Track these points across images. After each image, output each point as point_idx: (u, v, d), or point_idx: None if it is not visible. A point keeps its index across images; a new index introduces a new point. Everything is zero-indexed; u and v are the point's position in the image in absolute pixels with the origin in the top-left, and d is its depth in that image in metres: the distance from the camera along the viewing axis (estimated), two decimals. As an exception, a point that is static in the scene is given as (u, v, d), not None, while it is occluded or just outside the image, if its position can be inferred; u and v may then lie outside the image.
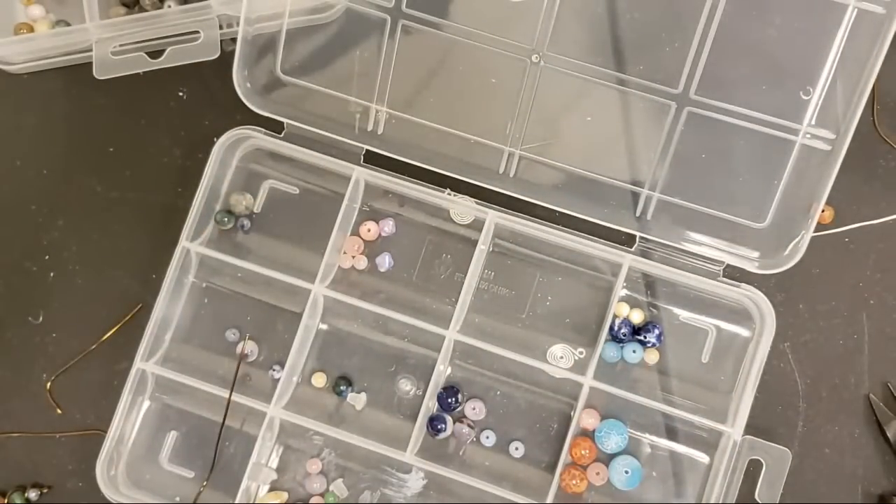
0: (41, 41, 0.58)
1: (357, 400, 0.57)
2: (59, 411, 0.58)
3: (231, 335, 0.57)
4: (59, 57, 0.59)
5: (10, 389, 0.58)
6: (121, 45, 0.58)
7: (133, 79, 0.59)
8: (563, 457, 0.54)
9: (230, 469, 0.56)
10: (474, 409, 0.56)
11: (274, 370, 0.57)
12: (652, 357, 0.55)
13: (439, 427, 0.55)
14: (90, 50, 0.57)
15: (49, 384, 0.58)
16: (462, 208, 0.56)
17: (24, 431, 0.58)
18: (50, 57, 0.59)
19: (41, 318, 0.59)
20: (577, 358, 0.56)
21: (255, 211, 0.58)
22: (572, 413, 0.54)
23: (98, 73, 0.57)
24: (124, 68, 0.58)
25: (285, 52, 0.56)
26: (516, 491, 0.53)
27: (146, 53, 0.58)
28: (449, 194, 0.56)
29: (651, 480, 0.55)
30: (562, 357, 0.56)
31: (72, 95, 0.60)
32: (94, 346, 0.58)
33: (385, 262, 0.57)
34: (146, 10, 0.58)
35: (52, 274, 0.59)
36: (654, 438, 0.55)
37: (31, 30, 0.59)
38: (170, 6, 0.58)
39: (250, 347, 0.57)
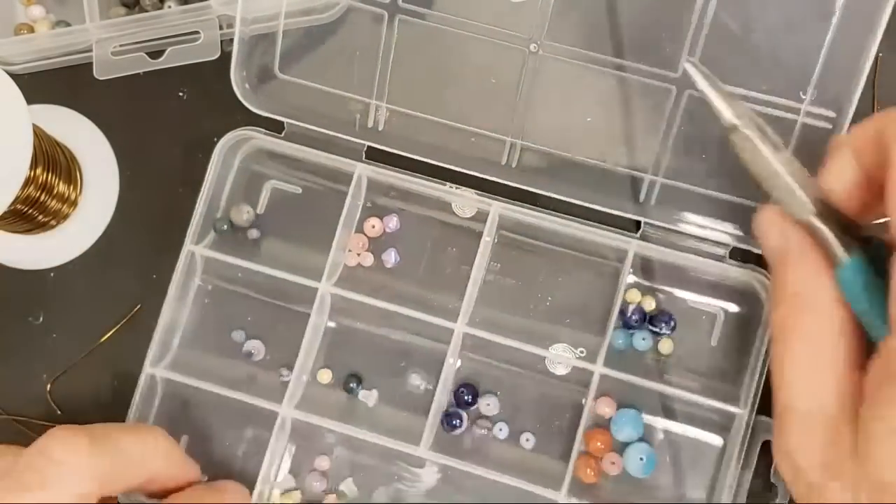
0: (41, 41, 0.58)
1: (368, 397, 0.57)
2: (59, 412, 0.58)
3: (238, 336, 0.57)
4: (59, 57, 0.59)
5: (12, 390, 0.58)
6: (121, 46, 0.58)
7: (133, 79, 0.59)
8: (577, 446, 0.53)
9: (245, 471, 0.56)
10: (488, 405, 0.56)
11: (282, 374, 0.56)
12: (667, 346, 0.55)
13: (455, 423, 0.55)
14: (90, 50, 0.58)
15: (49, 385, 0.58)
16: (464, 201, 0.56)
17: (26, 430, 0.58)
18: (50, 57, 0.59)
19: (41, 319, 0.59)
20: (578, 356, 0.55)
21: (259, 212, 0.58)
22: (584, 401, 0.54)
23: (98, 74, 0.58)
24: (124, 69, 0.58)
25: (283, 51, 0.56)
26: (531, 482, 0.53)
27: (146, 54, 0.58)
28: (453, 188, 0.56)
29: (665, 466, 0.55)
30: (560, 364, 0.56)
31: (72, 96, 0.60)
32: (93, 348, 0.58)
33: (392, 258, 0.57)
34: (146, 11, 0.58)
35: (51, 274, 0.59)
36: (667, 423, 0.55)
37: (32, 30, 0.59)
38: (170, 6, 0.58)
39: (255, 346, 0.57)
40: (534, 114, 0.55)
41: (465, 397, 0.55)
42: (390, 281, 0.57)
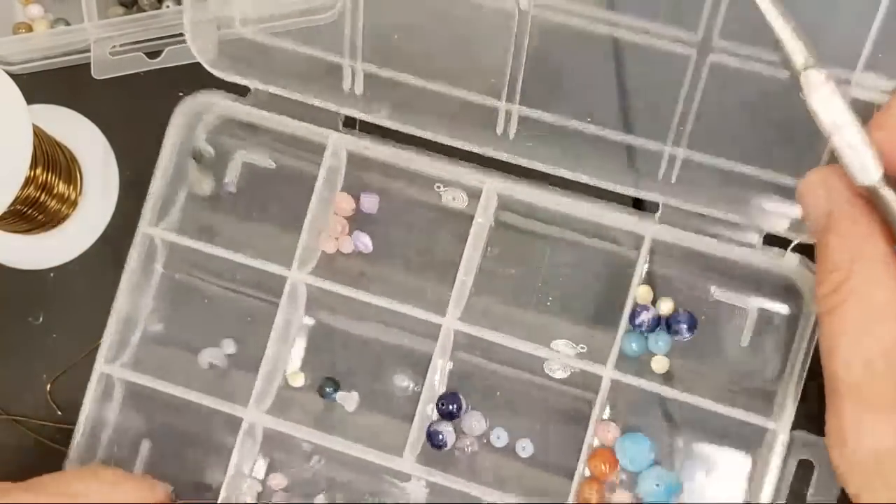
0: (39, 40, 0.58)
1: (348, 399, 0.51)
2: (59, 413, 0.57)
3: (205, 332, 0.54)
4: (58, 57, 0.58)
5: (11, 390, 0.57)
6: (119, 45, 0.57)
7: (133, 79, 0.57)
8: (581, 468, 0.47)
9: (211, 481, 0.52)
10: (476, 423, 0.50)
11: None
12: (660, 365, 0.49)
13: (439, 442, 0.49)
14: (89, 50, 0.57)
15: (49, 386, 0.57)
16: (455, 193, 0.51)
17: (27, 430, 0.57)
18: (49, 57, 0.58)
19: (41, 319, 0.58)
20: (579, 351, 0.49)
21: (230, 190, 0.54)
22: (590, 410, 0.48)
23: (96, 73, 0.57)
24: (122, 68, 0.57)
25: (243, 7, 0.51)
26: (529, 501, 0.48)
27: (144, 54, 0.57)
28: (440, 188, 0.51)
29: (688, 488, 0.49)
30: (559, 369, 0.50)
31: (71, 96, 0.59)
32: (93, 348, 0.55)
33: (363, 243, 0.52)
34: (144, 10, 0.57)
35: (52, 274, 0.58)
36: (687, 438, 0.49)
37: (30, 29, 0.59)
38: (168, 6, 0.57)
39: (219, 356, 0.53)
40: (532, 78, 0.48)
41: (450, 408, 0.50)
42: (373, 270, 0.52)
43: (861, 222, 0.37)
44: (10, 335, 0.58)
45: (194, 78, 0.56)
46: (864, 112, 0.41)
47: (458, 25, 0.49)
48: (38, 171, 0.52)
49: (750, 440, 0.48)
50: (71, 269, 0.58)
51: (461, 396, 0.50)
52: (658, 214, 0.48)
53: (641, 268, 0.48)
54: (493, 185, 0.48)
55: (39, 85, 0.58)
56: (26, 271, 0.58)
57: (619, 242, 0.50)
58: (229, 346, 0.53)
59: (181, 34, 0.55)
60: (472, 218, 0.49)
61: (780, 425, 0.46)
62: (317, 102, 0.50)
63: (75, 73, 0.58)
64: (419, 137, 0.49)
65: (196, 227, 0.53)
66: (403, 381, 0.51)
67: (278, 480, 0.51)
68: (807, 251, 0.47)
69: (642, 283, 0.49)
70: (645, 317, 0.48)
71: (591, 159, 0.48)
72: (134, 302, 0.52)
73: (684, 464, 0.49)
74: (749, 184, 0.47)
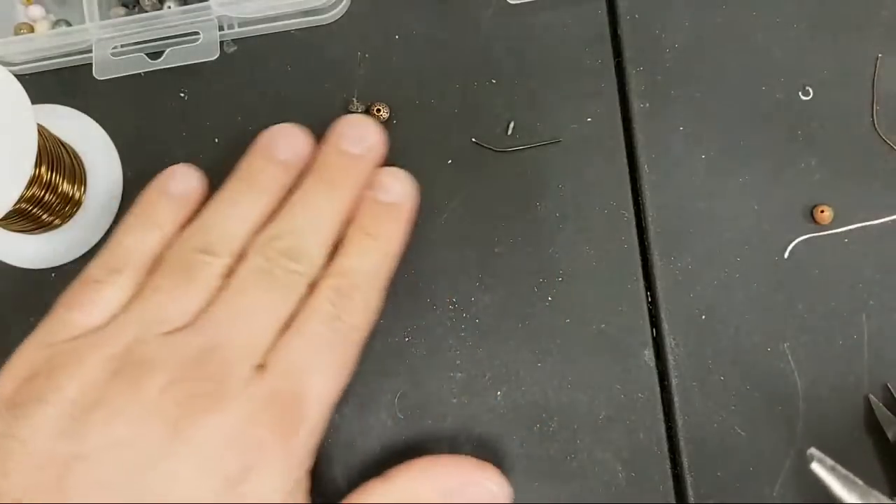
0: (41, 41, 0.58)
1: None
2: None
3: None
4: (59, 58, 0.59)
5: None
6: (121, 46, 0.58)
7: (135, 79, 0.59)
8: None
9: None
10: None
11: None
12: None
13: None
14: (90, 51, 0.58)
15: None
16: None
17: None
18: (50, 58, 0.59)
19: None
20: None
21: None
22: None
23: (98, 74, 0.58)
24: (124, 69, 0.58)
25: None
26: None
27: (146, 54, 0.58)
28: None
29: None
30: None
31: (72, 97, 0.60)
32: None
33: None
34: (146, 11, 0.58)
35: (52, 274, 0.58)
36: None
37: (32, 30, 0.60)
38: (169, 7, 0.58)
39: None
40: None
41: None
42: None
43: None
44: (12, 334, 0.54)
45: (196, 78, 0.59)
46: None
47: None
48: (43, 170, 0.53)
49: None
50: (73, 268, 0.57)
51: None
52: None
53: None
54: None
55: (43, 85, 0.59)
56: (28, 270, 0.58)
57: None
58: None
59: (183, 35, 0.58)
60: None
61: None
62: None
63: (79, 73, 0.59)
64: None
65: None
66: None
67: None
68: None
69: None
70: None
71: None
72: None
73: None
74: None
